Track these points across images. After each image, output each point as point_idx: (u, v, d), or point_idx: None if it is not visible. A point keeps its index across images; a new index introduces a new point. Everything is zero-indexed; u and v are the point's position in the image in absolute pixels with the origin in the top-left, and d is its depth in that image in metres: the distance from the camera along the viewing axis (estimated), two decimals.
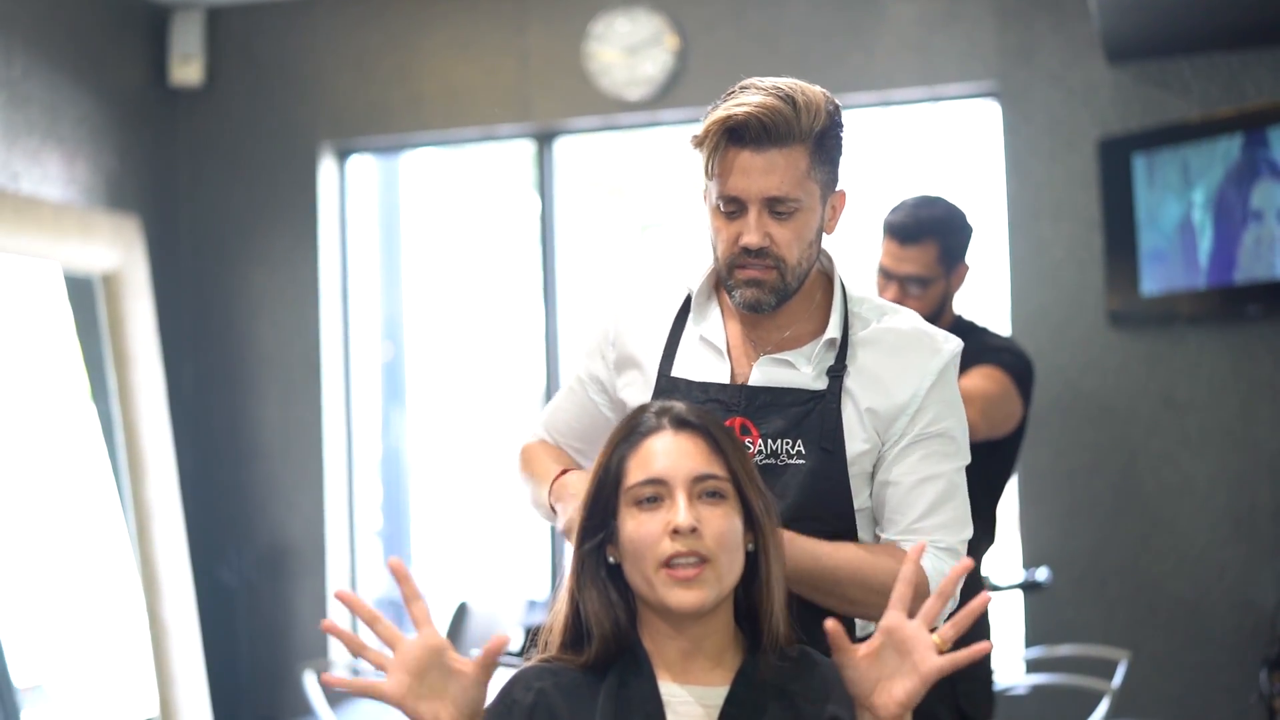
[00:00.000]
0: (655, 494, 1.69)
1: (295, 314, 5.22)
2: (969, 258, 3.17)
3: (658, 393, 1.94)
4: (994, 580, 4.02)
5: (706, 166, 1.88)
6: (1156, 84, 4.46)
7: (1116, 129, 4.47)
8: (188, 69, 5.21)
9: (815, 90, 1.89)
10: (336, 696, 4.90)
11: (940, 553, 1.89)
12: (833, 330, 1.93)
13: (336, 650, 5.15)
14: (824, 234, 1.94)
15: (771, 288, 1.89)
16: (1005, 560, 4.63)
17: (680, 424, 1.72)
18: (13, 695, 4.12)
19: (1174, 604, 4.42)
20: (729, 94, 1.89)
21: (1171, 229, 4.33)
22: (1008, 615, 4.64)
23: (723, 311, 1.99)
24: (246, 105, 5.30)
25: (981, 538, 3.15)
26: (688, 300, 2.01)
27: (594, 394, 2.08)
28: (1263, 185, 4.16)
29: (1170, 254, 4.33)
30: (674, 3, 4.86)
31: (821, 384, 1.91)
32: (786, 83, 1.88)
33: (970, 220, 3.18)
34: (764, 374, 1.93)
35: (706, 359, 1.96)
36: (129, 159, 5.10)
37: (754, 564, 1.73)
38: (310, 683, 4.33)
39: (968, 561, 1.68)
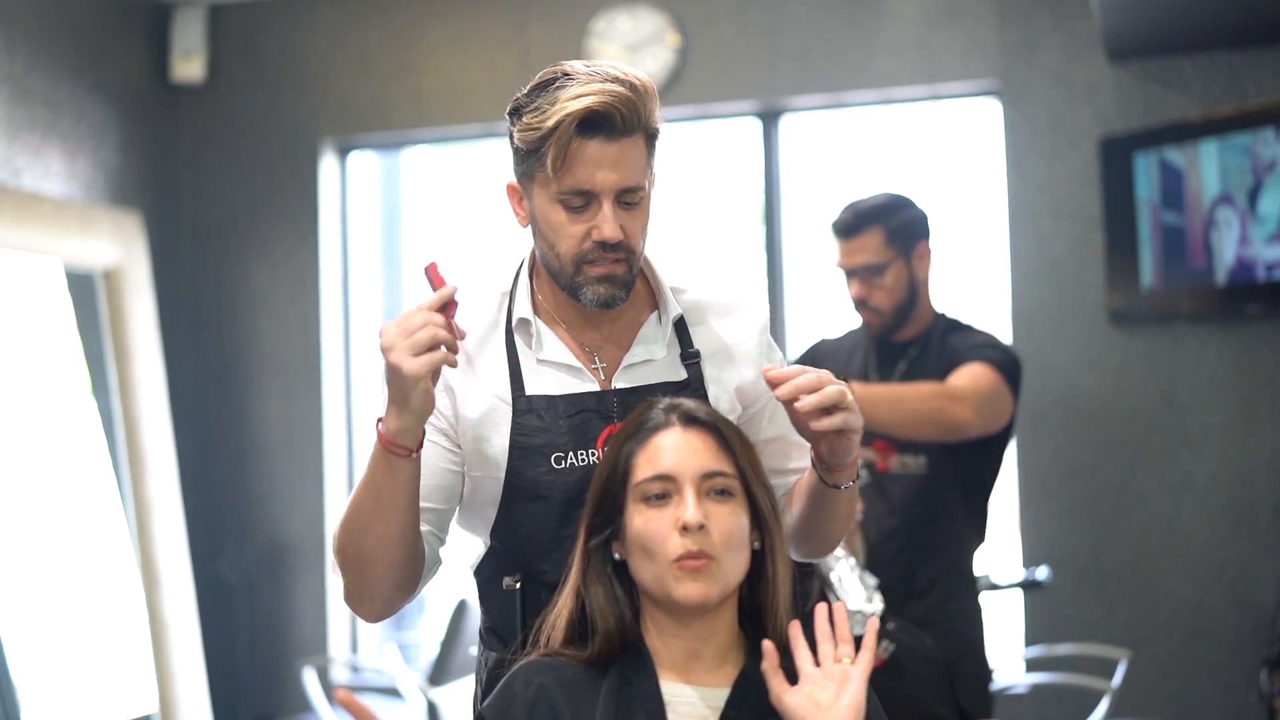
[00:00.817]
0: (664, 490, 1.68)
1: (296, 310, 5.22)
2: (930, 242, 3.20)
3: (517, 414, 1.85)
4: (994, 579, 4.02)
5: (552, 160, 1.77)
6: (1158, 82, 4.46)
7: (1118, 127, 4.47)
8: (189, 65, 5.21)
9: (643, 75, 1.82)
10: (335, 692, 4.90)
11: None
12: (674, 309, 1.91)
13: (336, 646, 5.15)
14: None
15: (622, 281, 1.83)
16: (1005, 559, 4.63)
17: (689, 420, 1.72)
18: (12, 690, 4.12)
19: (1174, 603, 4.42)
20: (550, 83, 1.80)
21: (1172, 228, 4.33)
22: (1008, 614, 4.64)
23: (550, 329, 1.90)
24: (248, 101, 5.30)
25: (972, 535, 3.16)
26: (509, 324, 1.89)
27: (438, 437, 1.87)
28: (1264, 184, 4.16)
29: (1171, 253, 4.33)
30: (675, 0, 4.86)
31: (681, 372, 1.90)
32: (615, 68, 1.80)
33: (917, 203, 3.21)
34: (627, 377, 1.89)
35: (559, 377, 1.87)
36: (130, 155, 5.10)
37: (759, 563, 1.72)
38: (309, 679, 4.33)
39: (872, 623, 1.70)
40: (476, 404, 1.86)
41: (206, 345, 5.30)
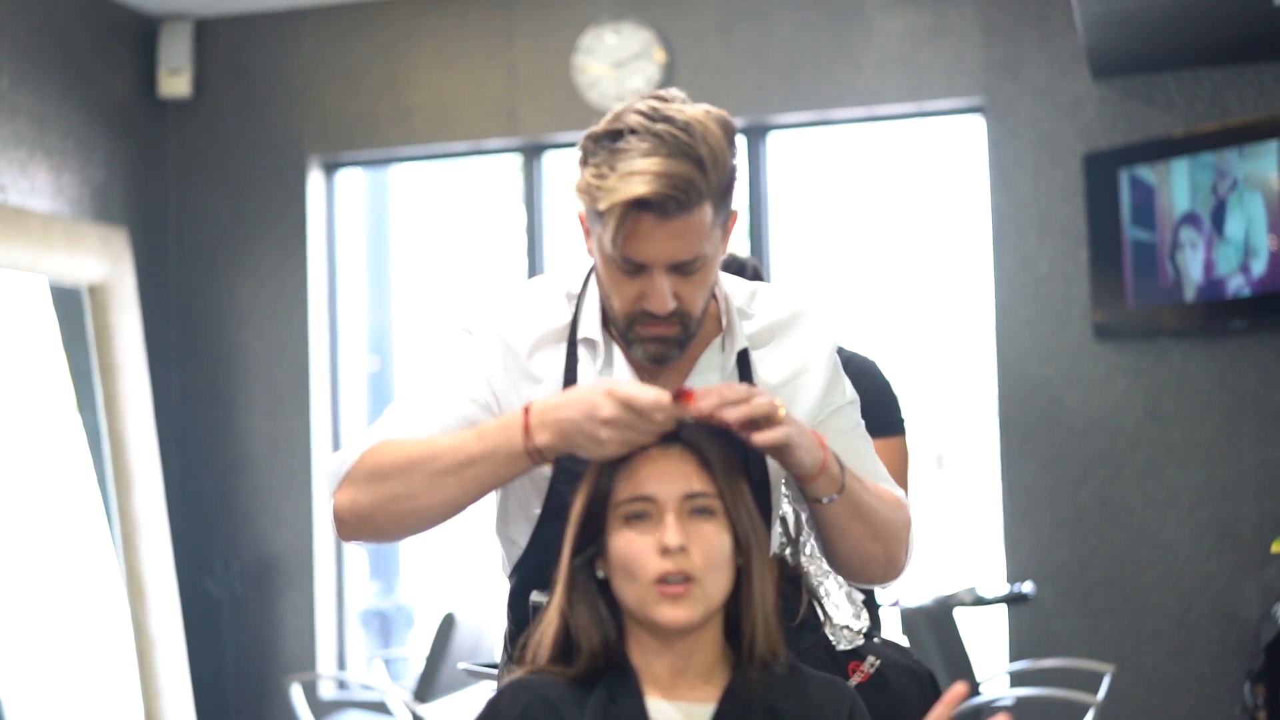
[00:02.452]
0: (644, 511, 1.67)
1: (283, 326, 5.22)
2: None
3: None
4: (980, 593, 4.03)
5: (608, 234, 1.70)
6: (1141, 99, 4.49)
7: (1101, 143, 4.50)
8: (176, 81, 5.21)
9: (714, 129, 1.70)
10: (323, 708, 4.89)
11: (900, 499, 1.93)
12: (739, 342, 1.86)
13: (323, 662, 5.15)
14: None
15: (676, 342, 1.78)
16: (990, 573, 4.64)
17: (669, 439, 1.71)
18: None
19: (1159, 617, 4.44)
20: (615, 135, 1.70)
21: (1156, 243, 4.35)
22: (993, 628, 4.65)
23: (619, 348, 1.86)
24: (235, 118, 5.31)
25: None
26: (572, 340, 1.86)
27: (483, 396, 1.86)
28: (1245, 200, 4.18)
29: (1155, 268, 4.35)
30: (662, 17, 4.88)
31: None
32: (682, 124, 1.68)
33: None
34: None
35: None
36: (117, 171, 5.10)
37: (741, 580, 1.72)
38: (296, 694, 4.33)
39: (961, 689, 1.63)
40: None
41: (193, 361, 5.30)
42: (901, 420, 3.04)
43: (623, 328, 1.79)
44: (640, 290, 1.74)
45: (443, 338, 1.90)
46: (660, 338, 1.77)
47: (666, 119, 1.69)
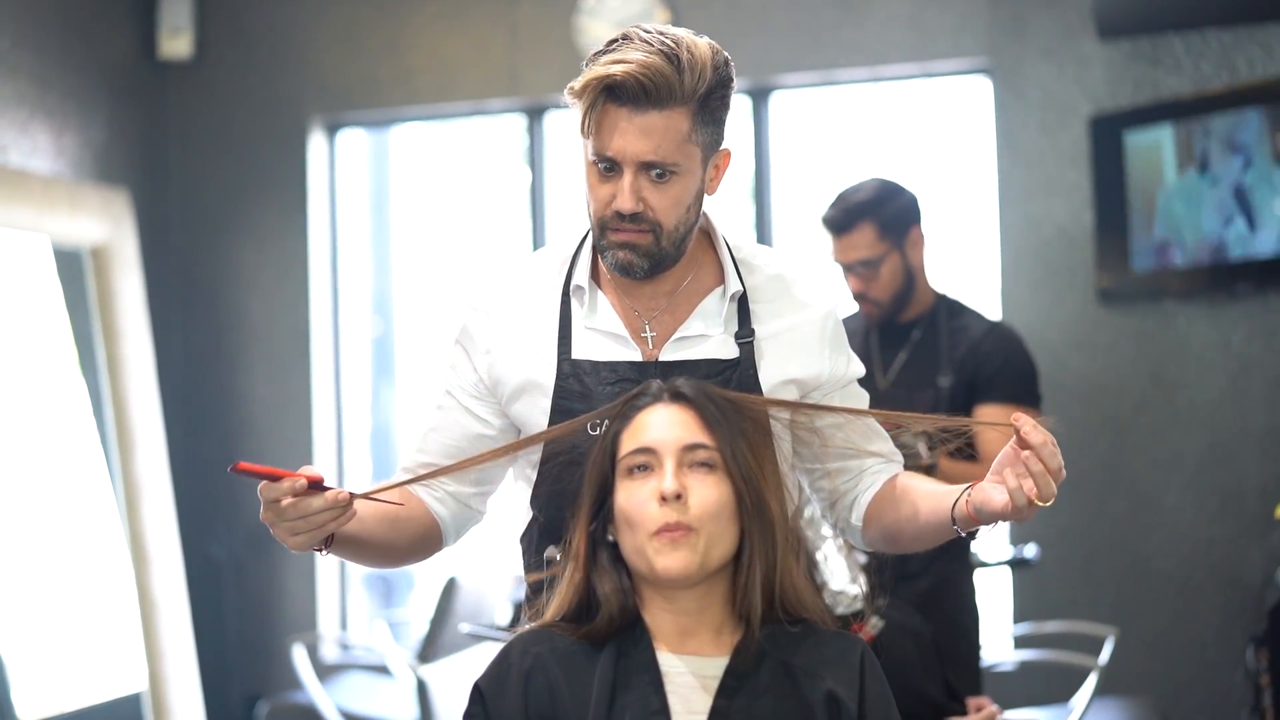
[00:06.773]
0: (645, 462, 1.68)
1: (285, 289, 5.21)
2: (923, 225, 3.19)
3: (560, 377, 1.86)
4: (982, 557, 4.03)
5: (583, 123, 1.78)
6: (1148, 60, 4.46)
7: (1108, 105, 4.47)
8: (177, 42, 5.18)
9: (703, 46, 1.78)
10: (325, 670, 4.91)
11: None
12: (734, 285, 1.89)
13: (326, 624, 5.16)
14: (705, 195, 1.87)
15: (645, 252, 1.81)
16: (993, 537, 4.63)
17: (675, 396, 1.72)
18: (1, 669, 4.12)
19: (1162, 581, 4.44)
20: (611, 44, 1.79)
21: (1162, 206, 4.33)
22: (996, 592, 4.65)
23: (606, 296, 1.91)
24: (236, 79, 5.28)
25: None
26: (566, 289, 1.90)
27: (470, 402, 1.93)
28: (1253, 163, 4.16)
29: (1160, 231, 4.33)
30: None
31: (732, 350, 1.88)
32: (673, 36, 1.77)
33: (906, 187, 3.18)
34: (676, 349, 1.88)
35: (606, 344, 1.88)
36: (118, 132, 5.08)
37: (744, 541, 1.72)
38: (299, 657, 4.33)
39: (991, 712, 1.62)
40: (521, 367, 1.88)
41: (195, 324, 5.29)
42: (1040, 395, 3.11)
43: (597, 236, 1.84)
44: (613, 192, 1.80)
45: (441, 337, 1.98)
46: (629, 243, 1.81)
47: (660, 32, 1.77)
